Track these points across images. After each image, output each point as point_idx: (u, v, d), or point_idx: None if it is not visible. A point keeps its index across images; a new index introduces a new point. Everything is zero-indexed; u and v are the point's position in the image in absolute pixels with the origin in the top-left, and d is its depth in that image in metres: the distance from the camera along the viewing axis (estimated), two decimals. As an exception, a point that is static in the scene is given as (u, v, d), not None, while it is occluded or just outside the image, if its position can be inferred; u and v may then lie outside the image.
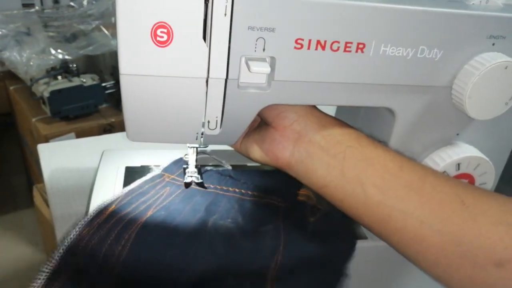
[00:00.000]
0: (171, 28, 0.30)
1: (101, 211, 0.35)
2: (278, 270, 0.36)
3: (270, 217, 0.41)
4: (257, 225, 0.40)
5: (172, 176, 0.43)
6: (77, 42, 1.24)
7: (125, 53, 0.31)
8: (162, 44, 0.30)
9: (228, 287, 0.34)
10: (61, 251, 0.33)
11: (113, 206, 0.36)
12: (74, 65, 1.16)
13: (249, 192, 0.45)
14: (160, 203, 0.39)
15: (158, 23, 0.30)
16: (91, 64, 1.33)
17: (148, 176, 0.42)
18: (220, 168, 0.47)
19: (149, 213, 0.37)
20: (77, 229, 0.34)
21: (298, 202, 0.44)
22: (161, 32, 0.30)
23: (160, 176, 0.42)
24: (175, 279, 0.34)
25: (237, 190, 0.44)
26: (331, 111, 0.50)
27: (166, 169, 0.44)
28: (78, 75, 1.16)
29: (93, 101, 1.17)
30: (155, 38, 0.30)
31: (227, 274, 0.35)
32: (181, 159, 0.47)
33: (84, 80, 1.15)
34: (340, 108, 0.48)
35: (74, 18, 1.30)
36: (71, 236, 0.34)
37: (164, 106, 0.33)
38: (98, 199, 0.41)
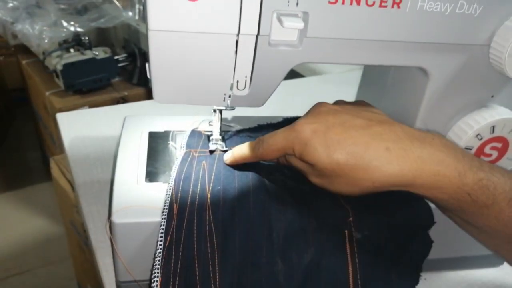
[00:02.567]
0: (201, -20, 0.29)
1: (170, 213, 0.35)
2: (345, 201, 0.37)
3: None
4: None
5: (198, 150, 0.43)
6: (89, 15, 1.22)
7: (154, 8, 0.29)
8: (193, -3, 0.29)
9: (312, 228, 0.35)
10: (157, 266, 0.32)
11: (175, 205, 0.35)
12: (87, 38, 1.15)
13: None
14: (210, 179, 0.38)
15: (188, -26, 0.28)
16: (102, 37, 1.31)
17: (178, 159, 0.41)
18: (233, 130, 0.47)
19: (208, 194, 0.36)
20: (160, 240, 0.34)
21: None
22: (192, -16, 0.29)
23: (188, 154, 0.42)
24: (268, 238, 0.34)
25: None
26: (357, 73, 0.49)
27: (188, 146, 0.43)
28: (90, 48, 1.14)
29: (106, 74, 1.16)
30: (185, -9, 0.29)
31: (308, 218, 0.35)
32: (193, 131, 0.46)
33: (97, 53, 1.13)
34: (367, 69, 0.46)
35: (84, -11, 1.28)
36: (159, 250, 0.33)
37: (193, 64, 0.32)
38: (124, 164, 0.41)
